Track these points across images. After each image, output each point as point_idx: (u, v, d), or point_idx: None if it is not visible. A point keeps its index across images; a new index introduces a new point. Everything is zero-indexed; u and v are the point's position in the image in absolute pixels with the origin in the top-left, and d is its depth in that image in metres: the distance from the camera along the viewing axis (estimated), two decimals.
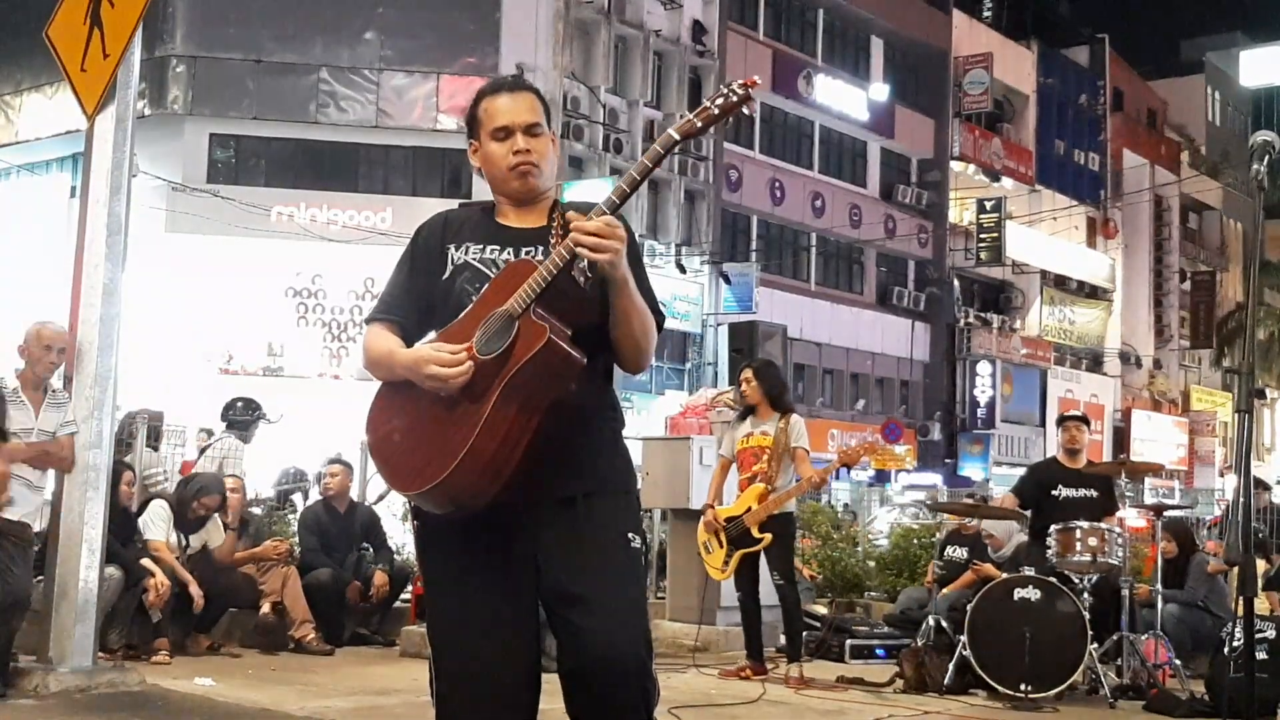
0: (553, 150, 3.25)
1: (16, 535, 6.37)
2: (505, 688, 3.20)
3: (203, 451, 10.17)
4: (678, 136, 2.98)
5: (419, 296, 3.25)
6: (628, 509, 3.19)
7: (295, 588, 8.78)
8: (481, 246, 3.20)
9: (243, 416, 10.57)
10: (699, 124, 2.98)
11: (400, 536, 10.53)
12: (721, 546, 8.27)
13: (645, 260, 3.38)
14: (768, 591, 8.28)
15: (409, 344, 3.17)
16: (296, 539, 9.86)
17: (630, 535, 3.13)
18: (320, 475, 10.53)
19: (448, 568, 3.20)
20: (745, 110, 2.98)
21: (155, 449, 10.31)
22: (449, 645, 3.25)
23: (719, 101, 2.98)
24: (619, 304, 3.00)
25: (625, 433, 3.33)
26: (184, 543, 8.57)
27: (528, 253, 3.12)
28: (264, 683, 7.25)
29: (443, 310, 3.17)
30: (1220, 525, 12.81)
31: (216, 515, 8.81)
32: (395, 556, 9.81)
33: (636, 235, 3.16)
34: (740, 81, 3.01)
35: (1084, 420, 9.29)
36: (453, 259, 3.21)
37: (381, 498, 10.30)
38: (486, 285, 3.07)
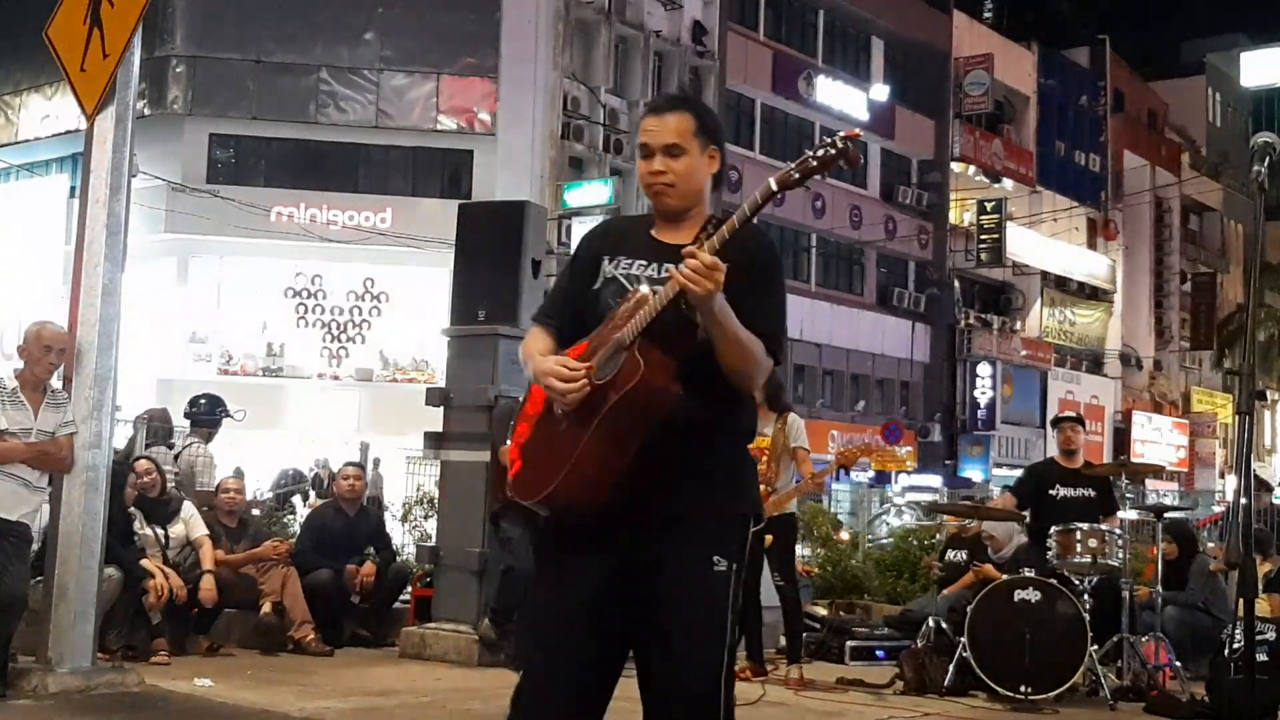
0: (703, 169, 3.32)
1: (14, 535, 6.37)
2: (571, 684, 3.23)
3: (177, 457, 10.08)
4: (776, 187, 3.03)
5: (573, 303, 3.38)
6: (719, 531, 3.23)
7: (295, 588, 8.77)
8: (630, 261, 3.29)
9: (206, 414, 10.48)
10: (796, 175, 3.03)
11: (400, 538, 10.52)
12: None
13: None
14: (768, 592, 8.27)
15: (563, 349, 3.27)
16: (296, 539, 9.85)
17: (715, 559, 3.18)
18: (317, 475, 10.55)
19: (548, 567, 3.37)
20: (844, 164, 3.01)
21: (170, 447, 10.26)
22: (532, 634, 3.40)
23: (819, 154, 3.01)
24: (712, 335, 3.08)
25: None
26: (165, 539, 8.51)
27: (668, 270, 3.16)
28: (263, 683, 7.24)
29: (590, 320, 3.28)
30: (1220, 524, 12.81)
31: (191, 505, 8.75)
32: (397, 558, 9.78)
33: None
34: (842, 134, 3.02)
35: (1079, 421, 9.29)
36: (604, 271, 3.31)
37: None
38: (618, 306, 3.19)
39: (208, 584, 8.26)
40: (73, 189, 25.88)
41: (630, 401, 3.05)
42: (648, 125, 3.33)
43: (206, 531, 8.67)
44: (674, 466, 3.17)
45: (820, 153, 3.00)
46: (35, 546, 6.87)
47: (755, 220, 3.15)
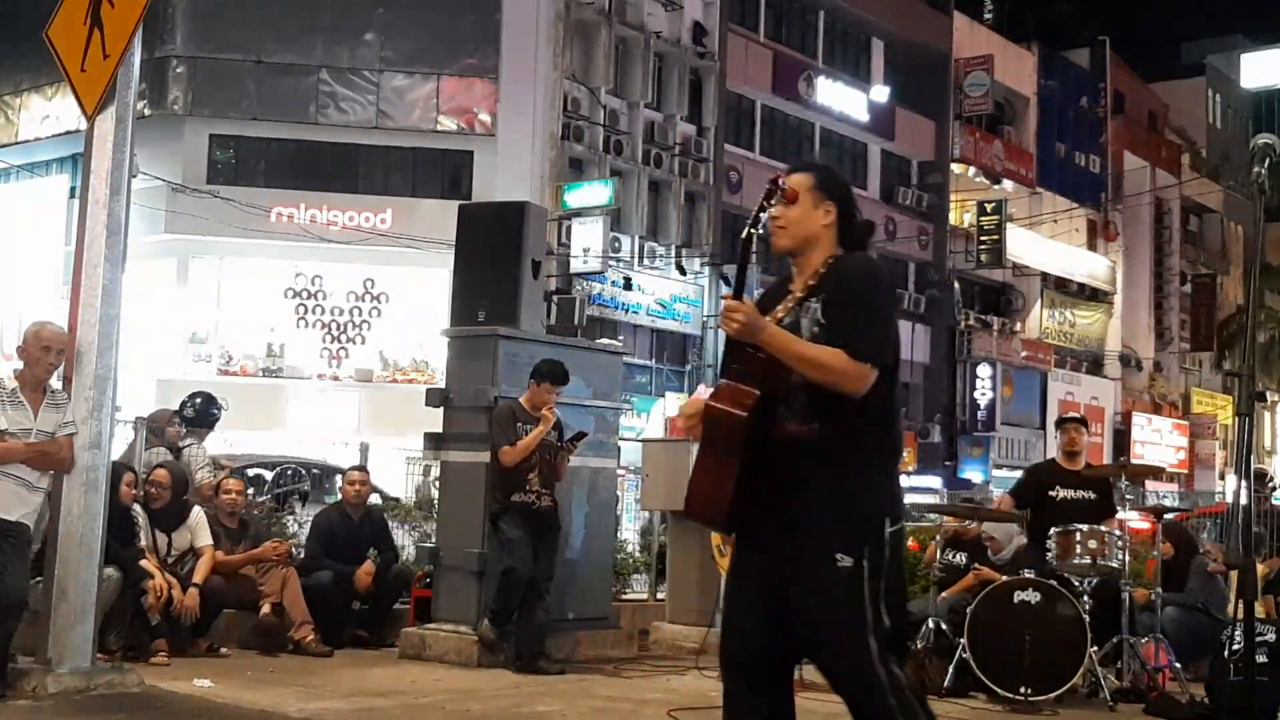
0: (814, 219, 3.84)
1: (14, 536, 6.36)
2: (749, 665, 3.80)
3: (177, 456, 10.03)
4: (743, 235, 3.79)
5: None
6: (842, 531, 3.63)
7: (294, 589, 8.76)
8: (780, 308, 3.84)
9: (202, 414, 10.40)
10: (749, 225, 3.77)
11: (400, 538, 10.51)
12: None
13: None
14: None
15: None
16: (296, 540, 9.84)
17: (839, 556, 3.60)
18: (313, 476, 10.53)
19: (733, 565, 3.92)
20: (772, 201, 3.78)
21: (175, 451, 10.19)
22: (723, 624, 3.94)
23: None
24: (781, 360, 3.62)
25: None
26: (167, 545, 8.50)
27: (780, 318, 3.77)
28: (263, 684, 7.24)
29: None
30: (1219, 518, 12.79)
31: (200, 511, 8.75)
32: (398, 561, 9.77)
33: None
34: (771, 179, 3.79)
35: (1083, 422, 9.28)
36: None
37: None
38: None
39: (190, 598, 8.21)
40: (73, 189, 25.89)
41: (709, 423, 3.63)
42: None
43: (210, 541, 8.65)
44: (791, 476, 3.64)
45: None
46: (35, 547, 6.86)
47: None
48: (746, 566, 3.81)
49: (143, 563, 8.10)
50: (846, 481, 3.65)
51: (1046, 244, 41.40)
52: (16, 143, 29.31)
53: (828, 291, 3.73)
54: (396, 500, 12.17)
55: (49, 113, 28.63)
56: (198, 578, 8.37)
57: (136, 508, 8.41)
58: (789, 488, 3.64)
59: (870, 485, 3.70)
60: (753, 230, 3.78)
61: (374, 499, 10.75)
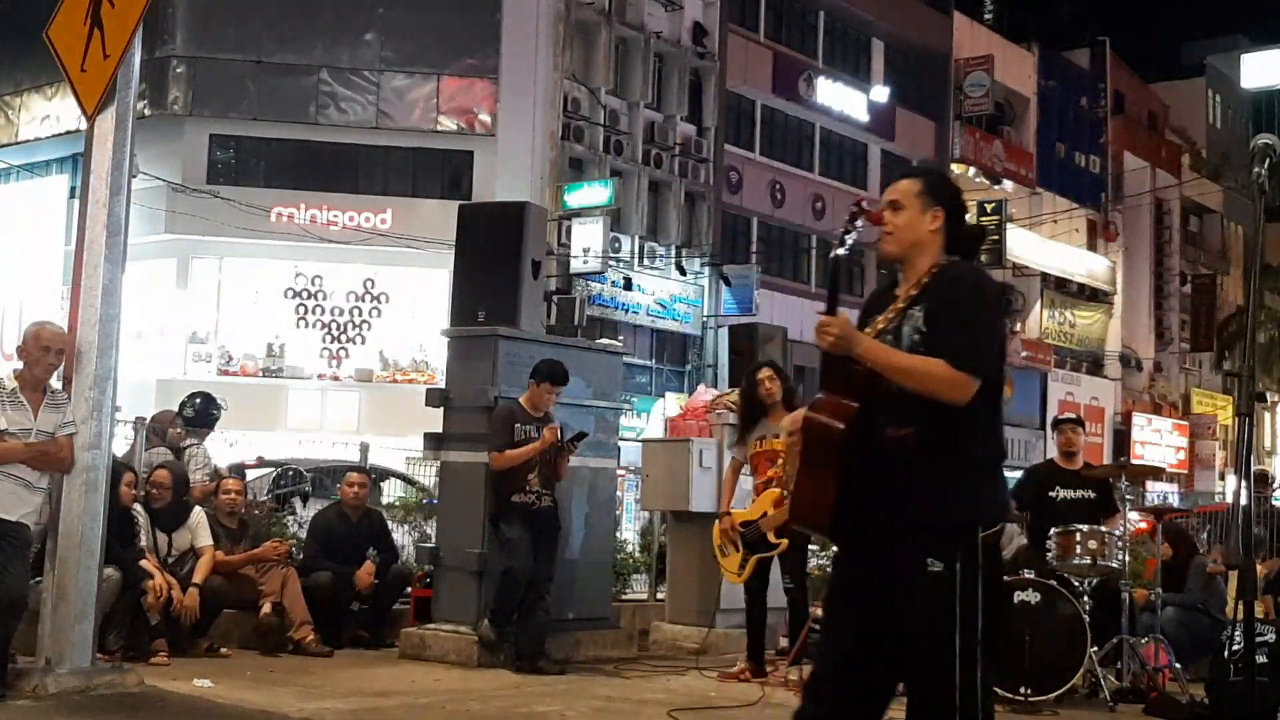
0: (922, 224, 3.88)
1: (15, 536, 6.36)
2: (849, 664, 3.81)
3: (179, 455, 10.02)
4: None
5: None
6: (934, 537, 3.69)
7: (295, 589, 8.77)
8: (880, 318, 3.89)
9: (201, 414, 10.38)
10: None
11: (400, 538, 10.51)
12: (738, 550, 8.25)
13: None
14: (771, 593, 8.27)
15: None
16: (295, 540, 9.84)
17: (930, 561, 3.66)
18: (308, 476, 10.48)
19: (835, 568, 4.07)
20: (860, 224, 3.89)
21: (177, 452, 10.18)
22: (822, 624, 4.15)
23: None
24: (879, 371, 3.70)
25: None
26: (168, 545, 8.50)
27: (881, 327, 3.83)
28: (263, 684, 7.24)
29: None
30: (1220, 517, 12.79)
31: (201, 511, 8.75)
32: (398, 561, 9.77)
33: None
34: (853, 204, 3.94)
35: (1079, 422, 9.28)
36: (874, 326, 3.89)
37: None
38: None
39: (189, 598, 8.22)
40: (73, 189, 25.90)
41: (808, 435, 3.75)
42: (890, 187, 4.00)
43: (210, 542, 8.65)
44: (888, 481, 3.71)
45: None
46: (34, 547, 6.87)
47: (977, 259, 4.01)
48: (847, 569, 3.92)
49: (143, 563, 8.10)
50: (941, 488, 3.71)
51: (1046, 244, 41.40)
52: (17, 143, 29.31)
53: (931, 300, 3.78)
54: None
55: (49, 113, 28.63)
56: (198, 577, 8.38)
57: (137, 507, 8.41)
58: (886, 493, 3.72)
59: (965, 492, 3.74)
60: (839, 252, 3.94)
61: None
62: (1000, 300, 3.94)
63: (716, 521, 8.48)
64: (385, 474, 13.12)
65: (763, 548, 8.11)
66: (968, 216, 3.97)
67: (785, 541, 8.03)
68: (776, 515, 8.03)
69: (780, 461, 8.09)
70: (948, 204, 3.92)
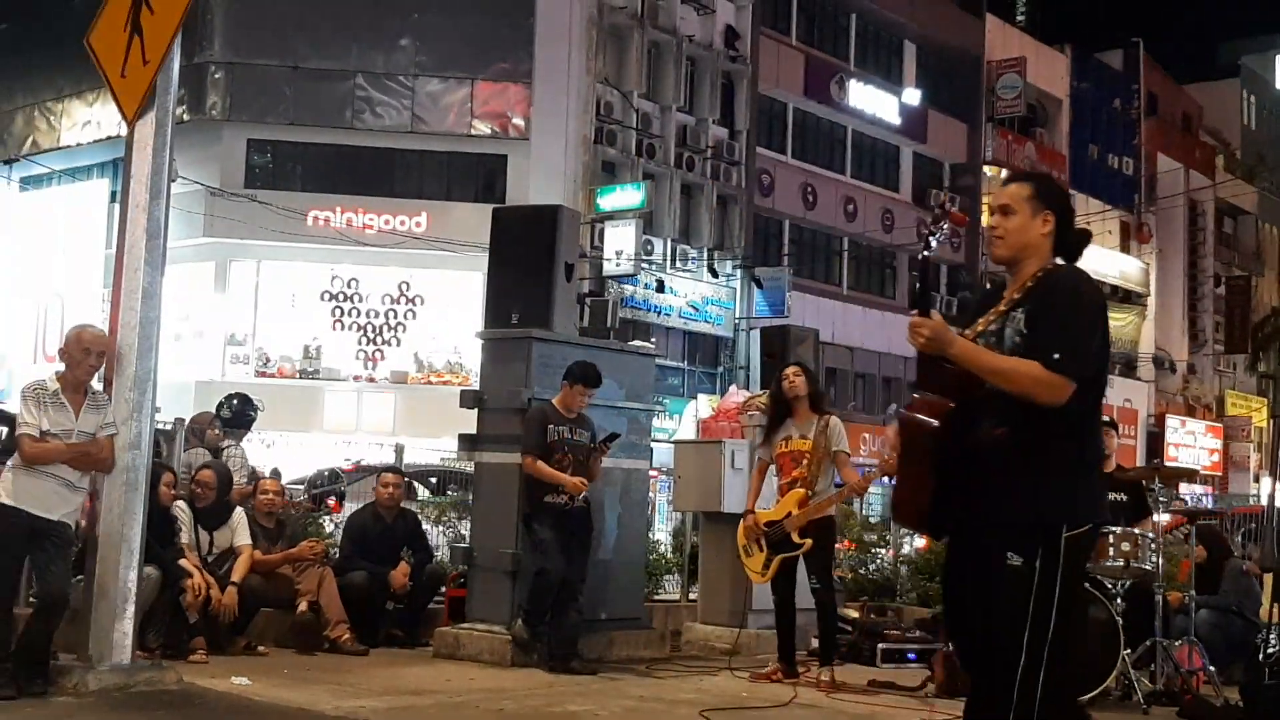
0: (1032, 228, 3.94)
1: (56, 535, 6.46)
2: (968, 656, 4.04)
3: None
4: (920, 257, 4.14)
5: None
6: (1017, 534, 3.79)
7: (331, 588, 8.84)
8: (981, 320, 3.97)
9: (239, 415, 10.47)
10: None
11: (434, 538, 10.58)
12: (761, 550, 8.27)
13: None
14: (802, 595, 8.29)
15: None
16: (332, 540, 9.92)
17: (1010, 556, 3.78)
18: (342, 477, 10.54)
19: (945, 562, 4.19)
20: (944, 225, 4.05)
21: (215, 452, 10.30)
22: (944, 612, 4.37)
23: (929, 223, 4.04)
24: (974, 372, 3.79)
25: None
26: (209, 544, 8.60)
27: (981, 329, 3.93)
28: (299, 682, 7.30)
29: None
30: (1255, 520, 12.71)
31: (241, 511, 8.84)
32: (433, 560, 9.83)
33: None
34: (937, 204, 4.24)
35: (1112, 425, 9.25)
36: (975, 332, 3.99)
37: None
38: None
39: (229, 597, 8.32)
40: (113, 194, 26.14)
41: (903, 433, 3.90)
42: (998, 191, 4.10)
43: (249, 541, 8.74)
44: (982, 479, 3.81)
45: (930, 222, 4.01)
46: (75, 546, 6.97)
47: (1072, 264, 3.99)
48: (951, 563, 4.08)
49: (182, 561, 8.20)
50: (1032, 486, 3.78)
51: None
52: (58, 148, 29.63)
53: (1033, 304, 3.84)
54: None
55: (90, 118, 28.93)
56: (236, 576, 8.46)
57: (181, 505, 8.51)
58: (980, 490, 3.82)
59: (1053, 491, 3.80)
60: (926, 252, 4.04)
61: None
62: (1100, 304, 3.96)
63: (740, 521, 8.51)
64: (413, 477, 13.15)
65: (787, 548, 8.13)
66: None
67: (809, 542, 8.05)
68: (800, 515, 8.05)
69: (805, 462, 8.12)
70: (1057, 207, 3.98)
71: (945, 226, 3.97)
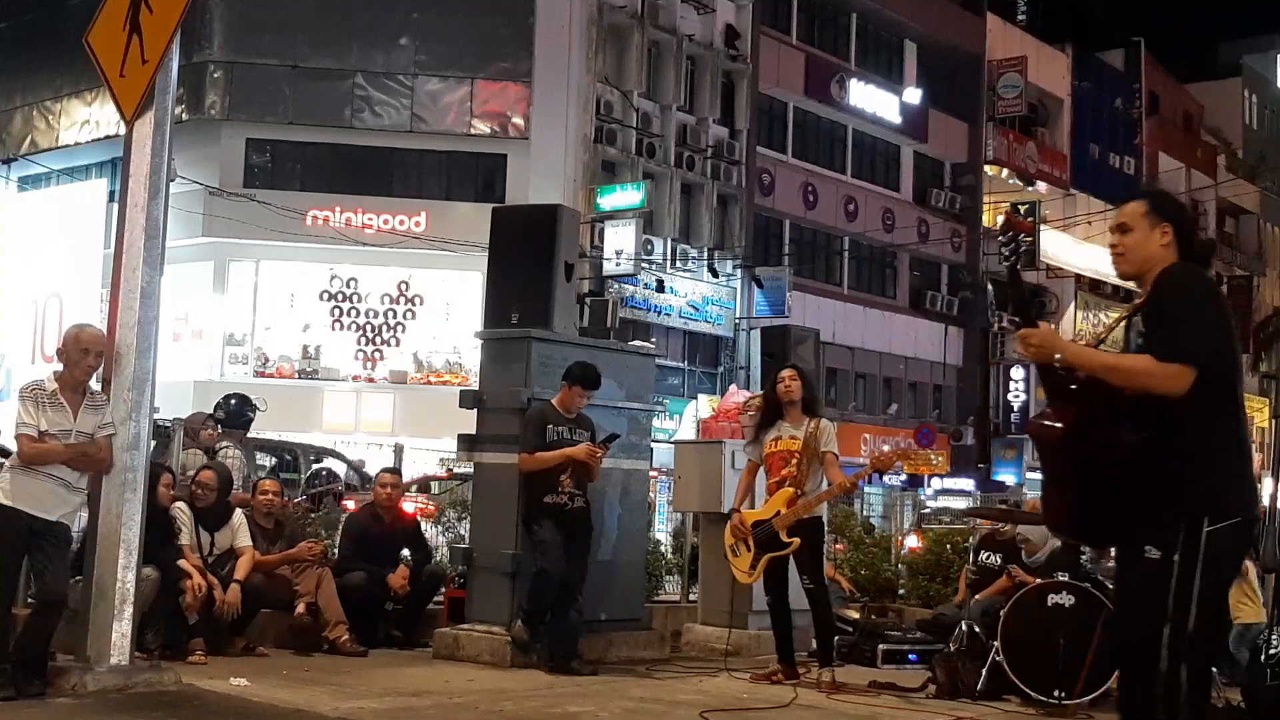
0: (1151, 241, 4.05)
1: (55, 535, 6.44)
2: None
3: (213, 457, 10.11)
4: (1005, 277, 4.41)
5: None
6: (1154, 527, 3.86)
7: (329, 589, 8.82)
8: (1104, 327, 3.93)
9: (236, 415, 10.44)
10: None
11: (433, 539, 10.56)
12: (749, 550, 8.26)
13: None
14: (797, 596, 8.27)
15: None
16: (330, 541, 9.90)
17: (1148, 549, 3.86)
18: (347, 481, 10.53)
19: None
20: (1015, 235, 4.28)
21: (210, 452, 10.26)
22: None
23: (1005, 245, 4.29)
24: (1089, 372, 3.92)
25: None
26: (210, 544, 8.58)
27: (1102, 337, 4.29)
28: (298, 683, 7.29)
29: None
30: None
31: (241, 513, 8.82)
32: (431, 561, 9.81)
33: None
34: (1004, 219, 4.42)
35: None
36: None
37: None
38: None
39: (232, 594, 8.32)
40: (112, 193, 25.96)
41: (1036, 443, 4.04)
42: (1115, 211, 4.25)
43: (249, 543, 8.72)
44: (1125, 480, 3.90)
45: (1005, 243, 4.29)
46: (74, 547, 6.95)
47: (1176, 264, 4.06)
48: (1116, 570, 4.18)
49: (182, 561, 8.18)
50: (1165, 481, 3.85)
51: (1080, 246, 41.16)
52: (57, 147, 29.60)
53: (1149, 304, 3.98)
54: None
55: (89, 117, 28.91)
56: (239, 575, 8.46)
57: (181, 506, 8.49)
58: (1124, 491, 3.92)
59: (1193, 486, 3.84)
60: (1010, 261, 4.21)
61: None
62: (1210, 293, 4.04)
63: (727, 521, 8.49)
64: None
65: (775, 547, 8.12)
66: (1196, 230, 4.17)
67: (798, 540, 8.03)
68: (789, 514, 8.04)
69: (794, 462, 8.10)
70: (1174, 219, 4.08)
71: (1022, 237, 4.20)
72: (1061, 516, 4.08)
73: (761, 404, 8.71)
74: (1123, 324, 4.13)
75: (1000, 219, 4.21)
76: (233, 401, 10.58)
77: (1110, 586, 7.74)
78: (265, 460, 13.63)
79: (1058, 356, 3.90)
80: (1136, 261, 4.07)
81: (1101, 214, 40.79)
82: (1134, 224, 4.09)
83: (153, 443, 7.45)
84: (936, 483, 31.39)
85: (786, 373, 8.47)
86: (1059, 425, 3.90)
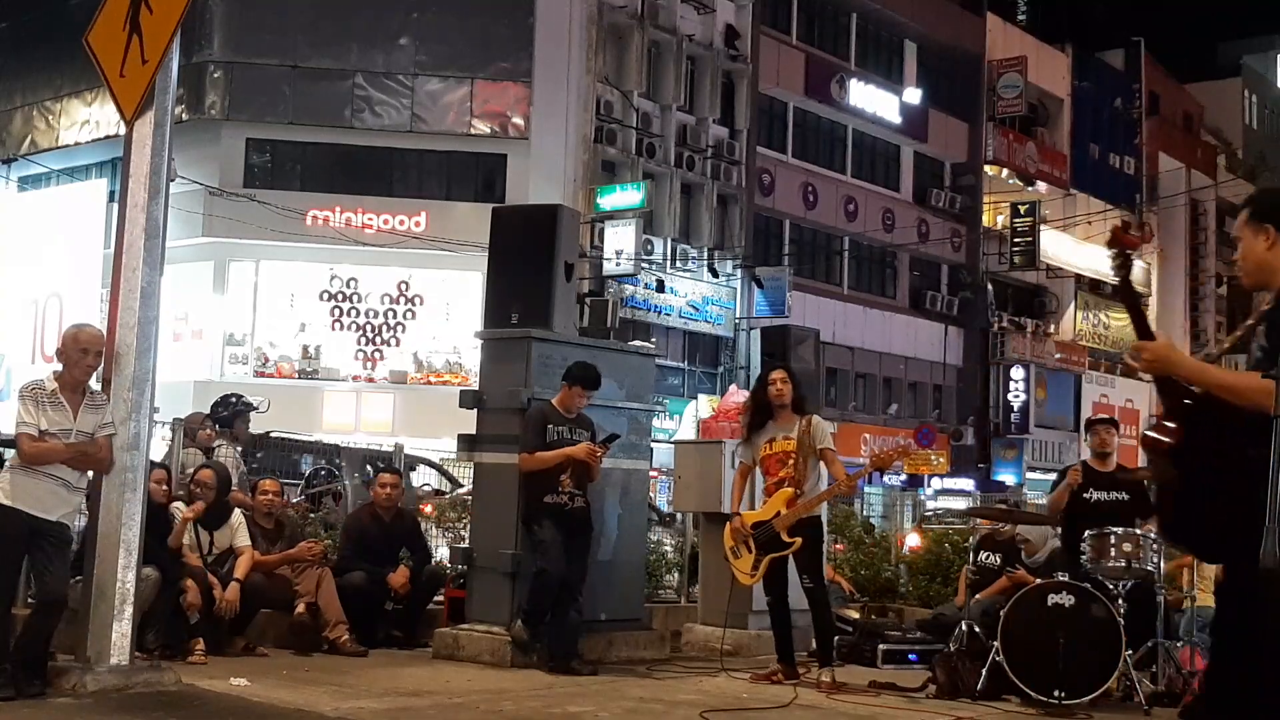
0: (1258, 246, 3.92)
1: (55, 535, 6.45)
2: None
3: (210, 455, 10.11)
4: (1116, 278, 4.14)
5: None
6: (1253, 543, 3.63)
7: (329, 589, 8.82)
8: (1228, 339, 4.03)
9: (234, 411, 10.45)
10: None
11: (434, 539, 10.56)
12: (750, 552, 8.25)
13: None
14: (798, 596, 8.27)
15: None
16: (329, 541, 9.90)
17: (1248, 565, 3.73)
18: (349, 481, 10.52)
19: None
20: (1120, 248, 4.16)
21: (208, 452, 10.27)
22: None
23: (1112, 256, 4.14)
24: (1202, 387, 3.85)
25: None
26: (209, 544, 8.59)
27: (1226, 346, 4.21)
28: (298, 683, 7.29)
29: None
30: None
31: (240, 513, 8.82)
32: (431, 561, 9.81)
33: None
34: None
35: (1113, 423, 9.23)
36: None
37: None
38: None
39: (231, 593, 8.32)
40: (112, 193, 25.96)
41: (1147, 455, 4.03)
42: None
43: (249, 542, 8.73)
44: (1226, 487, 3.80)
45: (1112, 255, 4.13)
46: (74, 546, 6.95)
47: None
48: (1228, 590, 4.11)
49: (185, 559, 8.18)
50: (1265, 495, 3.73)
51: (1080, 246, 41.17)
52: (57, 147, 29.60)
53: (1268, 316, 3.85)
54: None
55: (89, 117, 28.90)
56: (239, 574, 8.46)
57: (180, 506, 8.49)
58: (1247, 511, 3.77)
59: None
60: (1121, 274, 4.12)
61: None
62: None
63: (727, 524, 8.49)
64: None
65: (776, 548, 8.11)
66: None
67: (798, 541, 8.03)
68: (789, 514, 8.04)
69: (791, 462, 8.09)
70: (1275, 219, 3.92)
71: (1130, 251, 4.13)
72: (1180, 531, 4.10)
73: (749, 405, 8.69)
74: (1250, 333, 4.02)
75: (1110, 232, 4.15)
76: (232, 401, 10.60)
77: (1110, 587, 7.77)
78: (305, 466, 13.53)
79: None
80: (1249, 272, 3.96)
81: (1101, 214, 40.86)
82: (1240, 233, 3.99)
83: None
84: (936, 483, 31.37)
85: (777, 375, 8.43)
86: (1168, 440, 3.86)
